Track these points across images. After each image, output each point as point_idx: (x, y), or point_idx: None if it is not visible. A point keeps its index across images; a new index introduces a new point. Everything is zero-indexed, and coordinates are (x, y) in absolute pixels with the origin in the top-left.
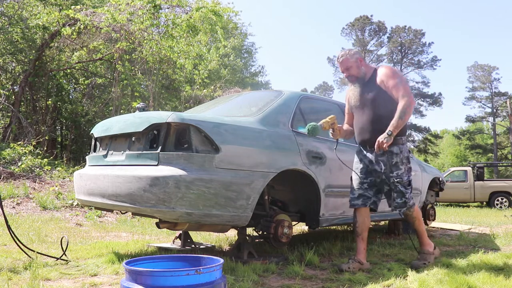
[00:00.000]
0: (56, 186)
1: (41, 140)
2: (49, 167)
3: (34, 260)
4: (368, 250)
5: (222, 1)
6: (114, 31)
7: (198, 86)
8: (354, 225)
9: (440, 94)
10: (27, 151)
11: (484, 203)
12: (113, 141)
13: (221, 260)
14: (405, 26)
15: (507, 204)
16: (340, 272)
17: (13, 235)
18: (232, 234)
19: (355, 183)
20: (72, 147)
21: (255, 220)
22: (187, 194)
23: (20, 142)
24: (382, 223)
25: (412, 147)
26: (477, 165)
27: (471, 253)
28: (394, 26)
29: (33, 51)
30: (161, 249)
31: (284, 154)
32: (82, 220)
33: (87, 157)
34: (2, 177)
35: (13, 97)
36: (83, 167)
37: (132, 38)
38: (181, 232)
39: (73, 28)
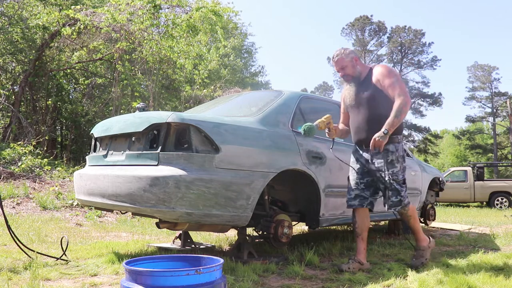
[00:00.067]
0: (56, 186)
1: (41, 140)
2: (49, 167)
3: (34, 260)
4: (368, 250)
5: (222, 1)
6: (114, 31)
7: (198, 86)
8: (354, 225)
9: (440, 94)
10: (27, 151)
11: (484, 203)
12: (113, 141)
13: (221, 260)
14: (405, 26)
15: (507, 204)
16: (340, 272)
17: (13, 235)
18: (232, 234)
19: (352, 184)
20: (72, 147)
21: (255, 220)
22: (187, 194)
23: (20, 142)
24: (382, 223)
25: (412, 147)
26: (477, 165)
27: (471, 253)
28: (394, 26)
29: (33, 51)
30: (161, 249)
31: (284, 154)
32: (82, 220)
33: (87, 157)
34: (2, 177)
35: (13, 97)
36: (83, 167)
37: (132, 38)
38: (181, 232)
39: (73, 28)
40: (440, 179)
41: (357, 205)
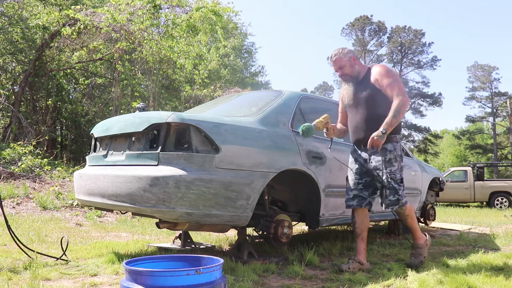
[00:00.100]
0: (56, 186)
1: (41, 140)
2: (49, 167)
3: (34, 260)
4: (368, 250)
5: (222, 1)
6: (114, 31)
7: (198, 86)
8: (353, 225)
9: (440, 94)
10: (27, 151)
11: (484, 203)
12: (113, 141)
13: (221, 260)
14: (405, 26)
15: (507, 204)
16: (340, 272)
17: (13, 235)
18: (232, 234)
19: (351, 184)
20: (72, 147)
21: (255, 220)
22: (187, 194)
23: (20, 142)
24: (382, 223)
25: (412, 147)
26: (477, 165)
27: (471, 253)
28: (394, 26)
29: (33, 51)
30: (161, 249)
31: (284, 154)
32: (82, 220)
33: (87, 157)
34: (2, 177)
35: (13, 97)
36: (83, 167)
37: (132, 38)
38: (181, 232)
39: (73, 28)
40: (440, 179)
41: (355, 206)
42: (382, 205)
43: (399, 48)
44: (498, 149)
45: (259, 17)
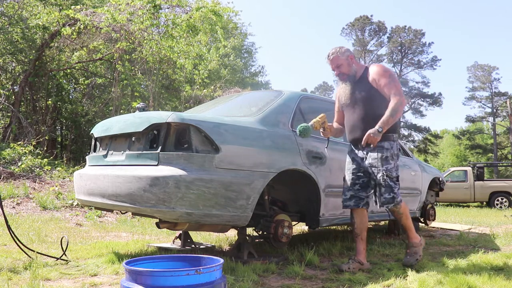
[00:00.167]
0: (56, 186)
1: (41, 140)
2: (49, 167)
3: (34, 260)
4: (368, 250)
5: (222, 1)
6: (114, 31)
7: (198, 86)
8: (353, 226)
9: (440, 94)
10: (27, 151)
11: (484, 203)
12: (113, 141)
13: (221, 260)
14: (405, 26)
15: (507, 204)
16: (340, 272)
17: (13, 235)
18: (232, 234)
19: (348, 184)
20: (72, 147)
21: (255, 220)
22: (187, 194)
23: (20, 142)
24: (382, 223)
25: (412, 147)
26: (477, 165)
27: (471, 253)
28: (394, 26)
29: (33, 51)
30: (161, 249)
31: (284, 154)
32: (82, 220)
33: (87, 157)
34: (2, 177)
35: (13, 97)
36: (83, 167)
37: (132, 38)
38: (181, 232)
39: (73, 28)
40: (440, 179)
41: (352, 206)
42: (376, 204)
43: (399, 48)
44: (498, 149)
45: (259, 17)
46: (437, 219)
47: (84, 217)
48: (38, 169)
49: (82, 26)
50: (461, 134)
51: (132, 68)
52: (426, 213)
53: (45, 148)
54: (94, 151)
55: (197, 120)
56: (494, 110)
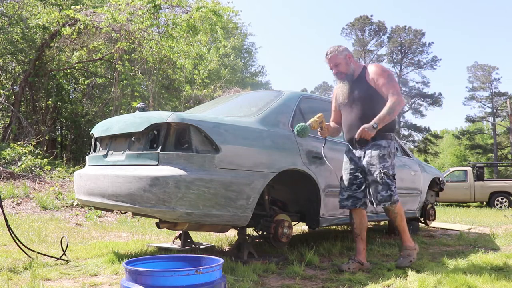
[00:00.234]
0: (56, 186)
1: (41, 140)
2: (49, 167)
3: (34, 260)
4: (368, 250)
5: (222, 1)
6: (114, 31)
7: (198, 86)
8: (352, 226)
9: (440, 94)
10: (27, 151)
11: (484, 203)
12: (113, 141)
13: (221, 260)
14: (405, 26)
15: (507, 204)
16: (340, 272)
17: (13, 235)
18: (232, 234)
19: (345, 184)
20: (72, 147)
21: (255, 220)
22: (187, 194)
23: (20, 142)
24: (382, 223)
25: (412, 147)
26: (477, 165)
27: (471, 253)
28: (394, 26)
29: (33, 51)
30: (161, 249)
31: (284, 154)
32: (82, 220)
33: (87, 157)
34: (2, 177)
35: (13, 97)
36: (83, 167)
37: (132, 38)
38: (181, 232)
39: (73, 28)
40: (440, 179)
41: (349, 206)
42: (372, 203)
43: (399, 48)
44: (498, 149)
45: (259, 17)
46: (437, 219)
47: (84, 217)
48: (38, 169)
49: (82, 26)
50: (461, 134)
51: (132, 68)
52: (426, 213)
53: (45, 148)
54: (94, 151)
55: (197, 120)
56: (494, 110)
